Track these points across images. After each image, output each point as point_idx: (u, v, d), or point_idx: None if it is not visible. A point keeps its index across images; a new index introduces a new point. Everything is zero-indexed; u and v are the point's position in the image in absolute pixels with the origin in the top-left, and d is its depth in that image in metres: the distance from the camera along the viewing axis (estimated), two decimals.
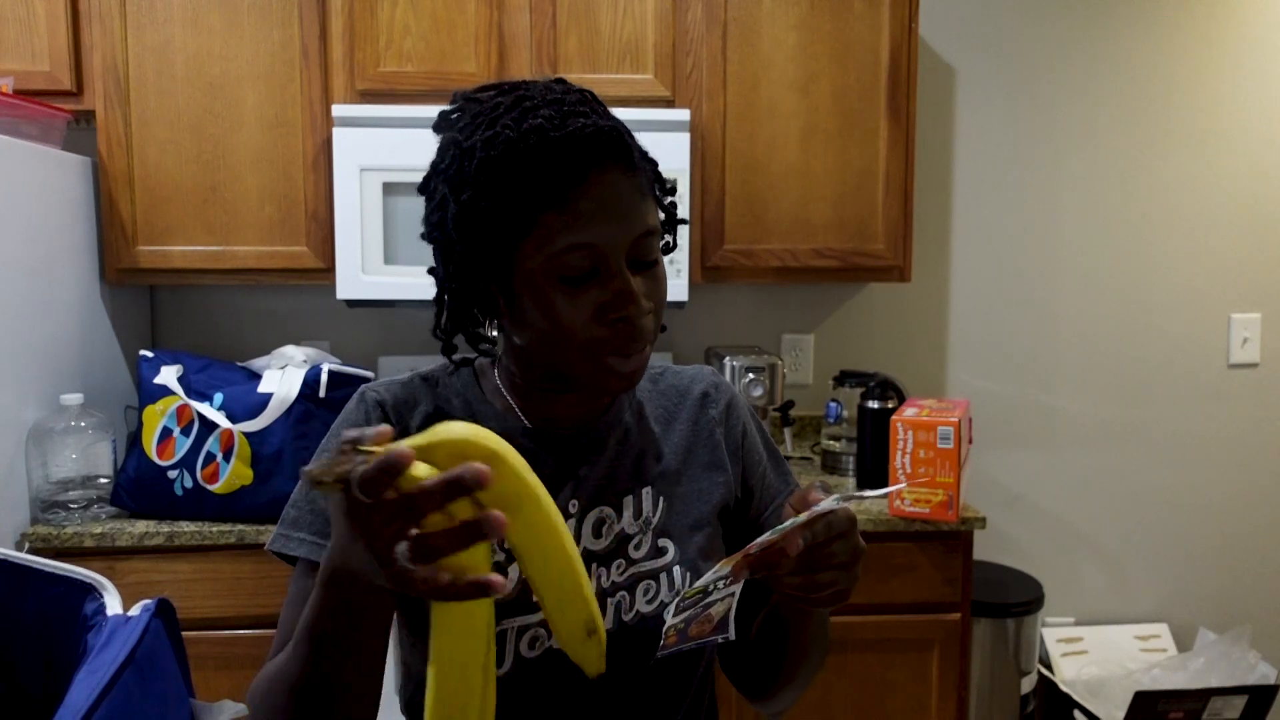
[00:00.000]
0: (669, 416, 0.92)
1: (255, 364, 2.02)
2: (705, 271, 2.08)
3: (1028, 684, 2.15)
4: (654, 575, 0.84)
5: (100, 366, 2.02)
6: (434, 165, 0.79)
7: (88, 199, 1.98)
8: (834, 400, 2.22)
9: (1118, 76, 2.44)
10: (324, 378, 1.85)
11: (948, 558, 1.88)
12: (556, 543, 0.61)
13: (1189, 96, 2.46)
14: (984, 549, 2.45)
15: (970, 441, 2.12)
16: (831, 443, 2.22)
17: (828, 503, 0.67)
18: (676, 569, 0.84)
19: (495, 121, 0.72)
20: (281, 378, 1.86)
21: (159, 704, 0.49)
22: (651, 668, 0.82)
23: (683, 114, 1.96)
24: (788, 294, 2.44)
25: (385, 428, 0.55)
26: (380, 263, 1.94)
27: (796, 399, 2.32)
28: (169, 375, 1.87)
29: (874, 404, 2.01)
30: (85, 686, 0.44)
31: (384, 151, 1.91)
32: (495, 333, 0.86)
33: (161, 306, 2.31)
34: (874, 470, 1.98)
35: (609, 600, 0.82)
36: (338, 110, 1.91)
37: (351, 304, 2.13)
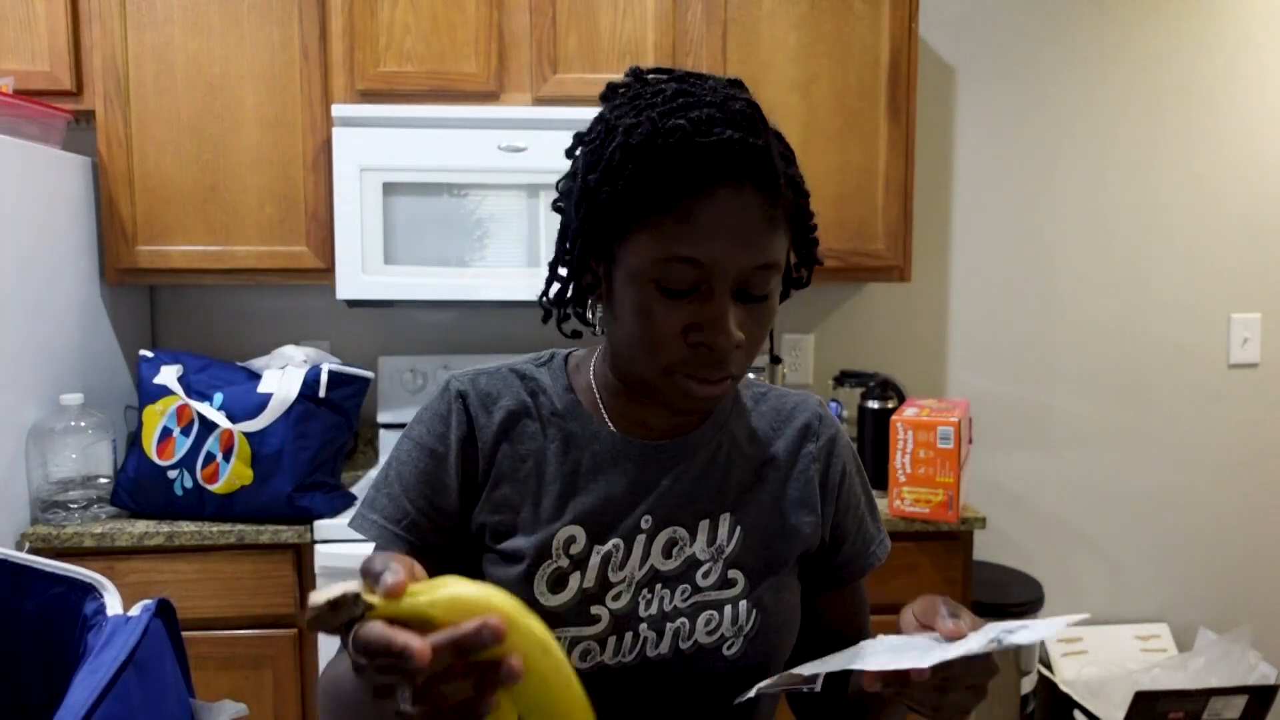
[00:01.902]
0: (767, 442, 0.87)
1: (255, 364, 2.02)
2: None
3: (1028, 684, 2.15)
4: (719, 606, 0.80)
5: (100, 366, 2.02)
6: (582, 135, 0.76)
7: (88, 199, 1.98)
8: (834, 400, 2.22)
9: (1118, 76, 2.44)
10: (324, 378, 1.85)
11: (948, 558, 1.88)
12: (571, 694, 0.55)
13: (1189, 96, 2.46)
14: (984, 549, 2.45)
15: (970, 441, 2.12)
16: None
17: (976, 643, 0.60)
18: (743, 604, 0.80)
19: (647, 109, 0.70)
20: (281, 378, 1.86)
21: (159, 704, 0.49)
22: (704, 698, 0.80)
23: None
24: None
25: (401, 578, 0.48)
26: (380, 263, 1.94)
27: None
28: (169, 375, 1.87)
29: (874, 404, 2.01)
30: (85, 686, 0.44)
31: (384, 151, 1.91)
32: (597, 318, 0.82)
33: (161, 306, 2.31)
34: (874, 470, 1.98)
35: (668, 624, 0.78)
36: (338, 110, 1.91)
37: (351, 304, 2.13)
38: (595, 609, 0.77)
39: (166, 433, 1.83)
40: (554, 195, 0.79)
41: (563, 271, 0.80)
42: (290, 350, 2.01)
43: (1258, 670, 2.24)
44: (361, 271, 1.94)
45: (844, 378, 2.19)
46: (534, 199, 1.94)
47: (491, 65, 1.99)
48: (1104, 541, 2.53)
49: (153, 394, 1.86)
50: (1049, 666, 2.35)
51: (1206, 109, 2.46)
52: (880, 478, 1.95)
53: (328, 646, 1.78)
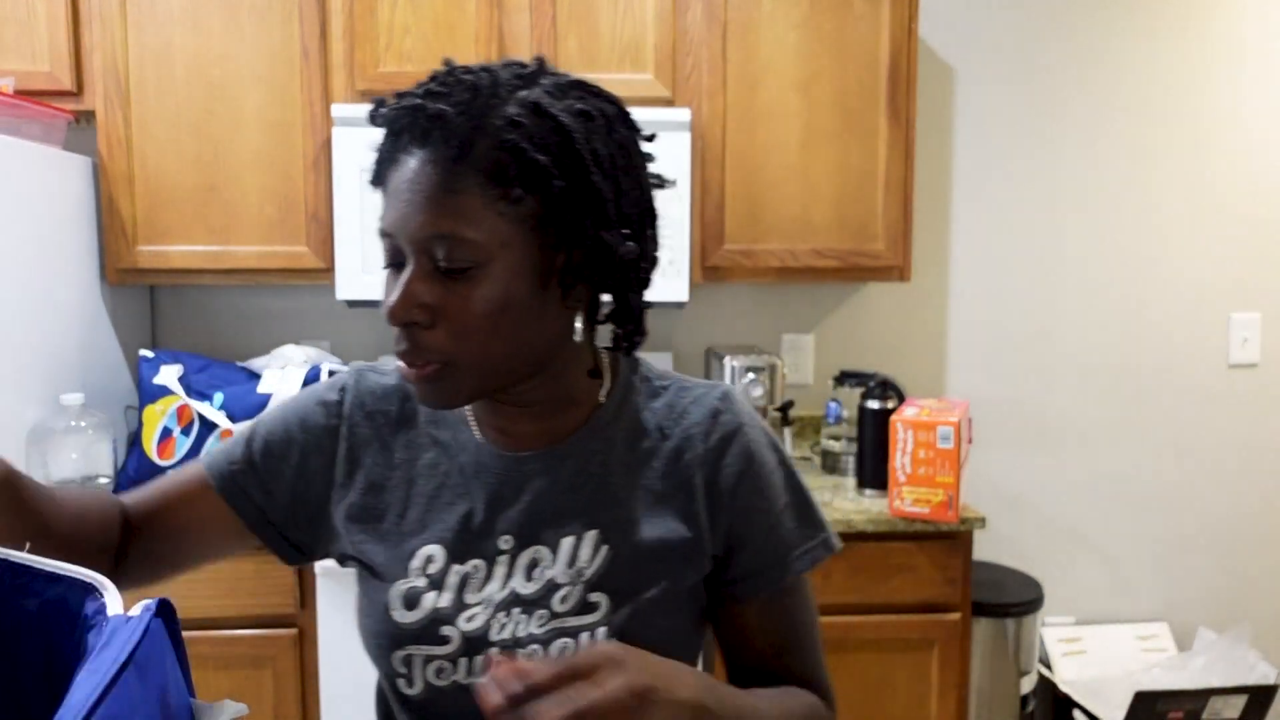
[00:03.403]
0: (651, 446, 0.78)
1: (255, 364, 2.03)
2: (705, 271, 2.08)
3: (1027, 684, 2.15)
4: (575, 633, 0.73)
5: (100, 366, 2.02)
6: None
7: (88, 199, 1.98)
8: (834, 400, 2.22)
9: (1118, 76, 2.44)
10: (324, 378, 1.85)
11: (948, 558, 1.88)
12: None
13: (1189, 96, 2.46)
14: (984, 549, 2.45)
15: (970, 441, 2.12)
16: (831, 443, 2.22)
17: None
18: (601, 631, 0.73)
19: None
20: (281, 378, 1.87)
21: (159, 704, 0.49)
22: None
23: (683, 114, 1.96)
24: (787, 294, 2.44)
25: None
26: (380, 263, 1.93)
27: (796, 399, 2.32)
28: (169, 375, 1.87)
29: (874, 404, 2.01)
30: (85, 686, 0.44)
31: None
32: None
33: (161, 306, 2.31)
34: (874, 470, 1.98)
35: (519, 651, 0.73)
36: (338, 110, 1.91)
37: (351, 304, 2.13)
38: (445, 629, 0.74)
39: (167, 433, 1.83)
40: None
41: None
42: (290, 350, 2.01)
43: (1257, 670, 2.24)
44: (362, 271, 1.94)
45: (844, 378, 2.19)
46: None
47: None
48: (1104, 541, 2.53)
49: (153, 394, 1.86)
50: (1049, 666, 2.35)
51: (1206, 108, 2.46)
52: (880, 478, 1.95)
53: (328, 646, 1.79)
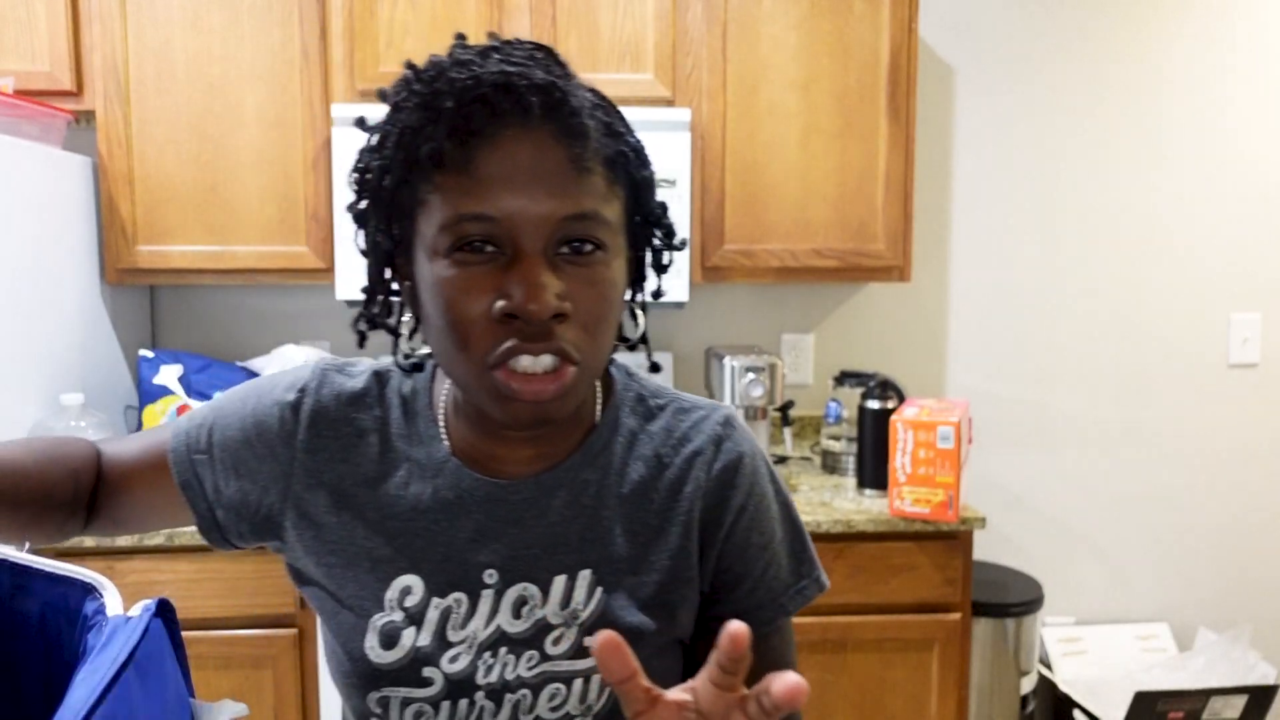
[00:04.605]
0: (648, 476, 0.72)
1: (255, 364, 2.03)
2: (705, 271, 2.08)
3: (1028, 684, 2.15)
4: (568, 679, 0.68)
5: (100, 366, 2.02)
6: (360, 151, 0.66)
7: (88, 199, 1.98)
8: (834, 400, 2.22)
9: (1118, 76, 2.44)
10: None
11: (948, 558, 1.88)
12: None
13: (1189, 96, 2.46)
14: (984, 549, 2.46)
15: (970, 441, 2.12)
16: (831, 443, 2.22)
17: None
18: (595, 679, 0.69)
19: (412, 82, 0.61)
20: None
21: (159, 704, 0.49)
22: None
23: (683, 114, 1.96)
24: (787, 294, 2.44)
25: None
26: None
27: (796, 399, 2.32)
28: (169, 375, 1.87)
29: (874, 404, 2.01)
30: (85, 686, 0.44)
31: None
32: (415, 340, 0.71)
33: (161, 306, 2.31)
34: (874, 470, 1.98)
35: (507, 695, 0.68)
36: (338, 110, 1.91)
37: (352, 304, 2.13)
38: (428, 670, 0.68)
39: None
40: None
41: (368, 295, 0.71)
42: (290, 350, 2.01)
43: (1257, 670, 2.24)
44: (361, 271, 1.93)
45: (844, 378, 2.19)
46: None
47: None
48: (1104, 541, 2.53)
49: (153, 394, 1.86)
50: (1049, 666, 2.35)
51: (1207, 108, 2.46)
52: (880, 478, 1.95)
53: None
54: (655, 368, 0.75)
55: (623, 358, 0.85)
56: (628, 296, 0.71)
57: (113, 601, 0.53)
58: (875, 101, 2.08)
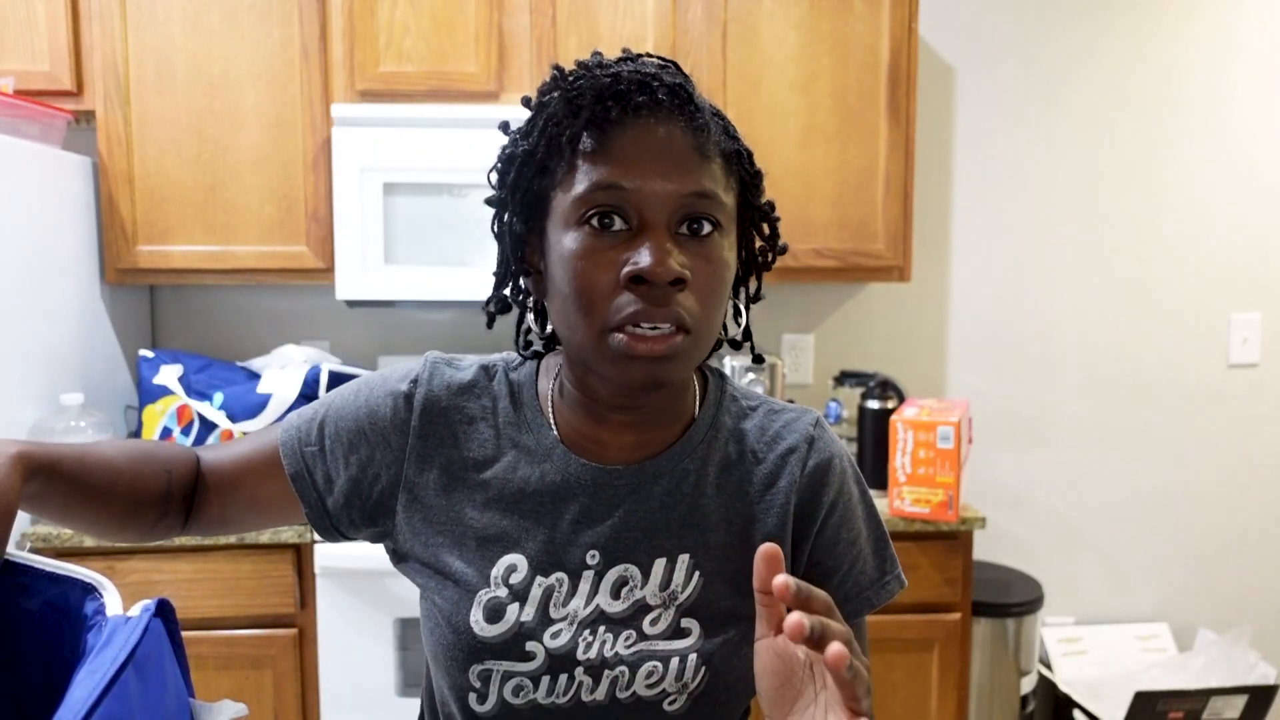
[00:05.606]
0: (745, 471, 0.77)
1: (255, 364, 2.03)
2: None
3: (1028, 684, 2.15)
4: (665, 658, 0.72)
5: (100, 366, 2.02)
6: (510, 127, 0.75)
7: (88, 199, 1.98)
8: (834, 400, 2.22)
9: (1118, 76, 2.44)
10: (324, 378, 1.86)
11: (948, 558, 1.88)
12: None
13: (1189, 96, 2.46)
14: (984, 549, 2.46)
15: (970, 441, 2.12)
16: None
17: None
18: (692, 659, 0.72)
19: (559, 80, 0.70)
20: (281, 378, 1.87)
21: (159, 704, 0.49)
22: None
23: None
24: (788, 294, 2.44)
25: None
26: (380, 262, 1.94)
27: (796, 399, 2.32)
28: (169, 375, 1.87)
29: (874, 404, 2.01)
30: (85, 686, 0.45)
31: (384, 151, 1.91)
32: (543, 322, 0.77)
33: (161, 306, 2.31)
34: (874, 470, 1.98)
35: (606, 671, 0.72)
36: (337, 110, 1.91)
37: (351, 304, 2.13)
38: (531, 645, 0.72)
39: (167, 433, 1.83)
40: None
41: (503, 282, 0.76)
42: (290, 350, 2.01)
43: (1257, 670, 2.24)
44: (362, 271, 1.94)
45: (844, 378, 2.20)
46: None
47: (491, 65, 1.99)
48: (1104, 541, 2.53)
49: (153, 394, 1.86)
50: (1049, 666, 2.35)
51: (1206, 108, 2.46)
52: (880, 478, 1.95)
53: (328, 646, 1.79)
54: (759, 359, 0.84)
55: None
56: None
57: (113, 601, 0.54)
58: (875, 101, 2.08)
